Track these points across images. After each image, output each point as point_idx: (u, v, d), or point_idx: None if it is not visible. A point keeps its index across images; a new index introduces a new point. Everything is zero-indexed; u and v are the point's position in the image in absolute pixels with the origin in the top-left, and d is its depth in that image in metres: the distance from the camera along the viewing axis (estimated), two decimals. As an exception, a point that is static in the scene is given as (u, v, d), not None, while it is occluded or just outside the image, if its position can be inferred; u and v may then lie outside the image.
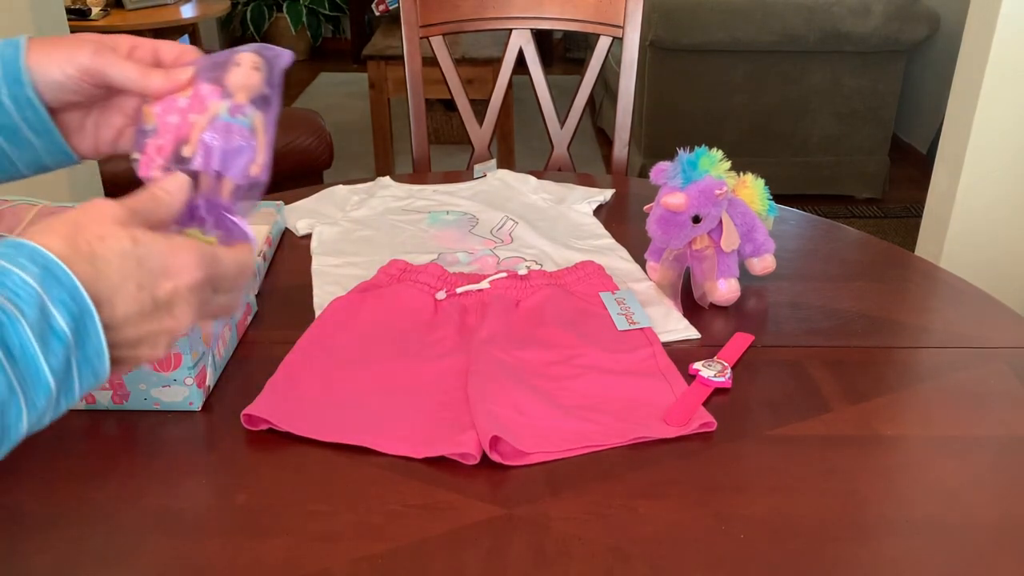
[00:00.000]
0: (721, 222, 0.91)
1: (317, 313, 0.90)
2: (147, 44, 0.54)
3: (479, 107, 1.48)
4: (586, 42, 4.13)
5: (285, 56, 0.55)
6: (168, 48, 0.55)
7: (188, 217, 0.51)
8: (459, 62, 1.84)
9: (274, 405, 0.73)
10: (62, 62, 0.50)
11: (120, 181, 2.07)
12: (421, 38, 1.46)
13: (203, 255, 0.45)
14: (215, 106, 0.53)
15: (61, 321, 0.38)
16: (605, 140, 3.74)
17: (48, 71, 0.50)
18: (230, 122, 0.52)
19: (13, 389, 0.37)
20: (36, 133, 0.52)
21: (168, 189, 0.48)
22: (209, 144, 0.52)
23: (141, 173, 0.53)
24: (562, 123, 1.50)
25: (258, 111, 0.54)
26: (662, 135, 3.02)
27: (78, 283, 0.39)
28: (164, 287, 0.43)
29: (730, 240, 0.91)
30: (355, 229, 1.10)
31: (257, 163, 0.53)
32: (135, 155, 0.53)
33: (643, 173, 2.90)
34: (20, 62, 0.50)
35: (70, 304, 0.39)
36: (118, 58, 0.52)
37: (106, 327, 0.40)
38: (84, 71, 0.51)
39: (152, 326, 0.43)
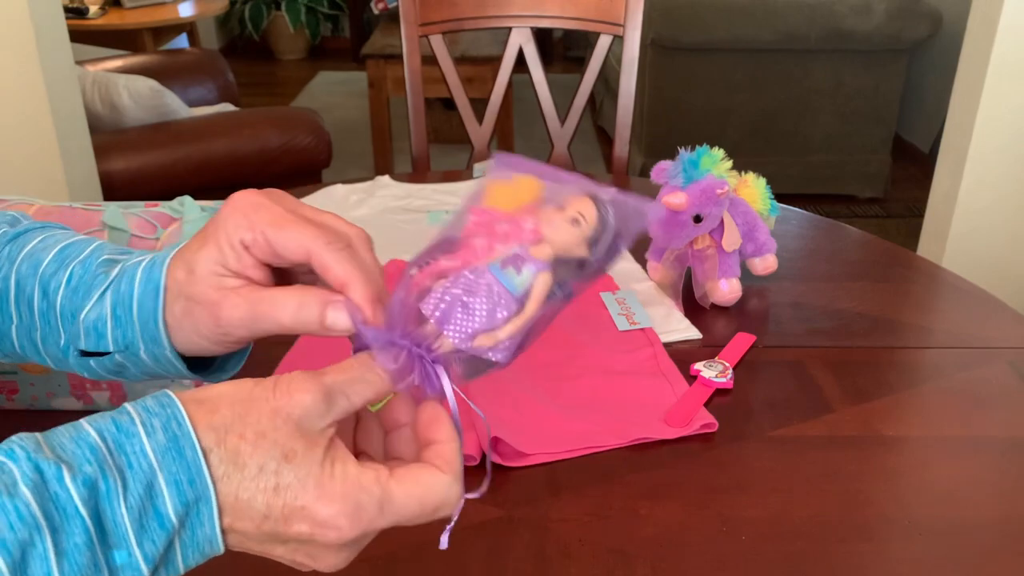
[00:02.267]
0: (722, 222, 0.90)
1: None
2: (258, 238, 0.42)
3: (479, 106, 1.47)
4: (586, 40, 4.13)
5: (640, 212, 0.41)
6: (285, 241, 0.41)
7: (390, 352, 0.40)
8: (459, 61, 1.83)
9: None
10: (190, 334, 0.42)
11: (116, 181, 2.07)
12: (420, 36, 1.46)
13: (359, 508, 0.36)
14: (499, 250, 0.40)
15: (169, 505, 0.34)
16: (606, 139, 3.73)
17: (178, 339, 0.43)
18: (492, 274, 0.39)
19: (99, 568, 0.33)
20: (180, 375, 0.45)
21: (381, 371, 0.39)
22: (443, 290, 0.40)
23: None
24: (562, 122, 1.49)
25: (544, 274, 0.40)
26: (663, 134, 3.02)
27: (204, 467, 0.34)
28: (297, 528, 0.36)
29: (731, 240, 0.90)
30: (354, 228, 1.10)
31: (490, 335, 0.39)
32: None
33: (644, 172, 2.90)
34: (158, 319, 0.42)
35: (185, 489, 0.34)
36: (271, 307, 0.41)
37: (226, 530, 0.36)
38: (214, 342, 0.43)
39: (279, 552, 0.37)
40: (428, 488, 0.38)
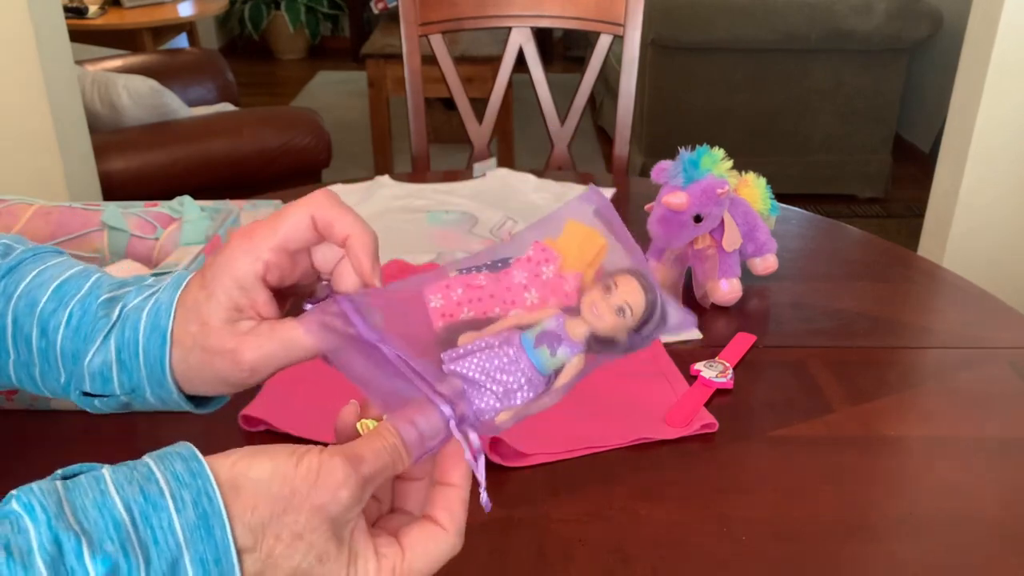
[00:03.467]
0: (723, 221, 0.90)
1: (316, 313, 0.89)
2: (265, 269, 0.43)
3: (479, 106, 1.47)
4: (586, 40, 4.13)
5: (680, 325, 0.40)
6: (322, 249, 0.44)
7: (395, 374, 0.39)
8: (458, 60, 1.83)
9: (272, 405, 0.73)
10: (210, 380, 0.43)
11: (115, 181, 2.07)
12: (420, 36, 1.46)
13: None
14: (532, 318, 0.38)
15: None
16: (606, 139, 3.73)
17: (194, 385, 0.44)
18: (523, 350, 0.38)
19: None
20: (182, 410, 0.46)
21: (408, 447, 0.38)
22: (473, 360, 0.38)
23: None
24: (562, 122, 1.49)
25: (578, 356, 0.38)
26: (663, 134, 3.02)
27: (232, 547, 0.33)
28: None
29: (732, 240, 0.90)
30: (354, 228, 1.10)
31: (511, 411, 0.38)
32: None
33: (644, 172, 2.90)
34: (165, 366, 0.43)
35: (211, 568, 0.33)
36: (275, 347, 0.42)
37: None
38: (236, 386, 0.44)
39: None
40: (435, 554, 0.39)
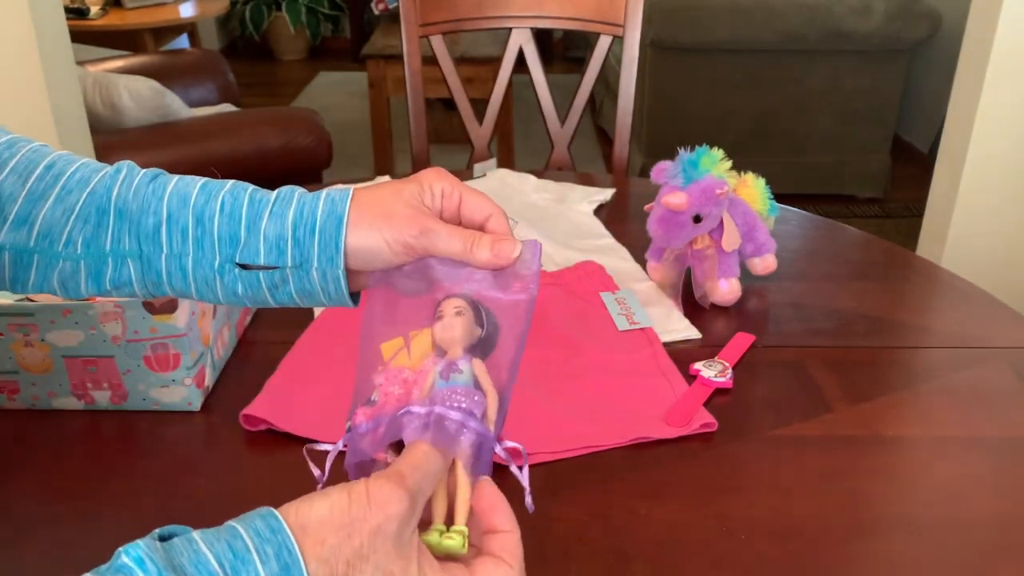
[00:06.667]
0: (722, 222, 0.90)
1: (316, 314, 0.89)
2: (455, 192, 0.52)
3: (479, 106, 1.47)
4: (586, 41, 4.13)
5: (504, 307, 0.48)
6: (474, 203, 0.52)
7: None
8: (459, 61, 1.83)
9: (273, 405, 0.73)
10: (385, 238, 0.49)
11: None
12: (421, 37, 1.46)
13: None
14: (430, 377, 0.46)
15: None
16: (605, 139, 3.73)
17: (367, 243, 0.49)
18: (444, 388, 0.45)
19: None
20: (330, 299, 0.51)
21: (440, 462, 0.43)
22: (422, 426, 0.44)
23: (348, 461, 0.45)
24: (562, 122, 1.49)
25: (475, 358, 0.47)
26: (663, 134, 3.02)
27: None
28: None
29: (731, 240, 0.90)
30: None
31: (487, 418, 0.46)
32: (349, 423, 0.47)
33: (644, 172, 2.90)
34: (340, 241, 0.49)
35: None
36: (442, 230, 0.49)
37: None
38: (407, 247, 0.49)
39: None
40: None
